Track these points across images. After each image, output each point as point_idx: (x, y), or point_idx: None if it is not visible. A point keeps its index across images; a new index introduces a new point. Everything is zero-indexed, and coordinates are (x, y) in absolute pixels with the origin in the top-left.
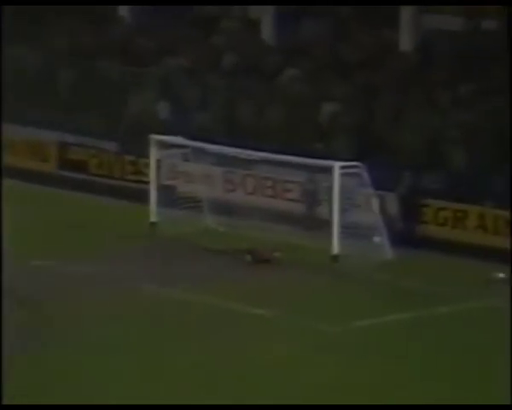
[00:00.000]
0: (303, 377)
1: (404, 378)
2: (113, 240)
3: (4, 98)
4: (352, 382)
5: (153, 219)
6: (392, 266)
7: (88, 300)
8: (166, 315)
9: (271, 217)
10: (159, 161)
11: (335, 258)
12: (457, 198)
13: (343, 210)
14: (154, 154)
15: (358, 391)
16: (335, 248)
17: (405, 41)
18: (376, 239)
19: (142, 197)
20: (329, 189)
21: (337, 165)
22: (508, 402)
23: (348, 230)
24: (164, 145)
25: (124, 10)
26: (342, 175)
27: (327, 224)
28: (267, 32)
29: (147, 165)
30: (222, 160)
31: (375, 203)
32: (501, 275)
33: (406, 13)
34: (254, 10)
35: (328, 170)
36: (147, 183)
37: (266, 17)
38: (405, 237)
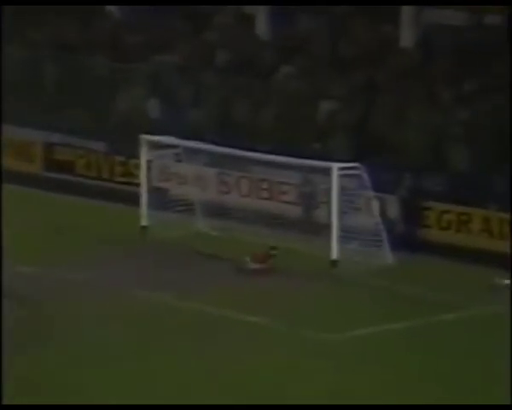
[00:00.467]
0: (298, 389)
1: (404, 389)
2: (102, 244)
3: None
4: (350, 394)
5: (143, 222)
6: (393, 272)
7: (75, 307)
8: (157, 322)
9: (267, 220)
10: (149, 162)
11: (334, 263)
12: (461, 200)
13: (342, 213)
14: (144, 154)
15: (357, 403)
16: (334, 252)
17: (406, 36)
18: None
19: (133, 200)
20: (327, 191)
21: (335, 166)
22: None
23: (347, 234)
24: (155, 145)
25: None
26: (341, 177)
27: (325, 227)
28: (262, 27)
29: (137, 166)
30: (215, 160)
31: (374, 206)
32: (506, 281)
33: (407, 7)
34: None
35: (327, 171)
36: (137, 185)
37: (261, 12)
38: (407, 241)
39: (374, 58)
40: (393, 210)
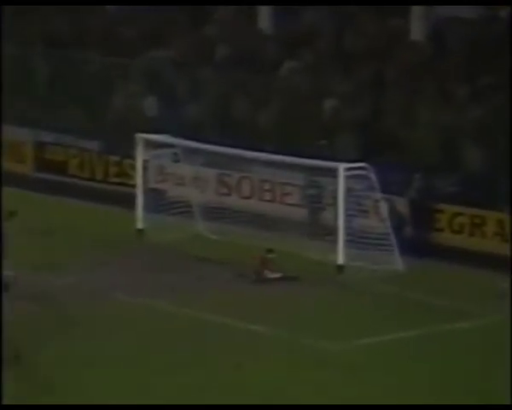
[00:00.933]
0: (302, 401)
1: (413, 401)
2: (96, 248)
3: None
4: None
5: (139, 225)
6: (402, 278)
7: (67, 313)
8: (153, 330)
9: (269, 223)
10: (146, 162)
11: (340, 268)
12: (474, 202)
13: (348, 216)
14: (140, 154)
15: None
16: (340, 257)
17: (416, 30)
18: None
19: (128, 202)
20: (333, 192)
21: (342, 166)
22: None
23: (354, 238)
24: (151, 144)
25: None
26: (347, 177)
27: (331, 231)
28: (264, 20)
29: (132, 166)
30: (215, 160)
31: (383, 208)
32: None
33: None
34: None
35: (333, 172)
36: (132, 186)
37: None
38: (417, 245)
39: (382, 52)
40: (403, 213)
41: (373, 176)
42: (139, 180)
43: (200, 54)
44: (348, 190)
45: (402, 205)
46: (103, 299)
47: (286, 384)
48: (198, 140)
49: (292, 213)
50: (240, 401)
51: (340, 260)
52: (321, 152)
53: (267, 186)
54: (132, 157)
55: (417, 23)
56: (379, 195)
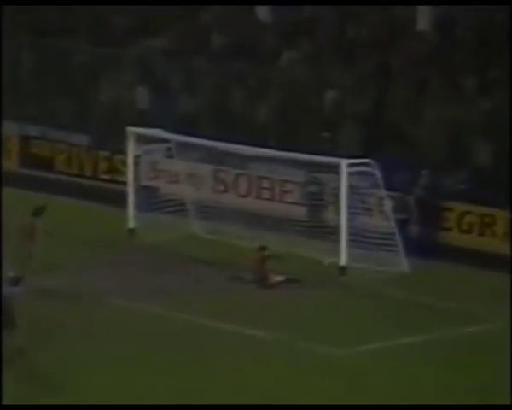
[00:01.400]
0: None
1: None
2: (84, 249)
3: None
4: None
5: (131, 224)
6: (409, 280)
7: (54, 317)
8: (145, 335)
9: (268, 223)
10: (137, 158)
11: (343, 270)
12: (484, 201)
13: (351, 215)
14: (131, 149)
15: None
16: (343, 258)
17: (423, 18)
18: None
19: (119, 199)
20: (336, 190)
21: (344, 162)
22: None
23: (357, 237)
24: (143, 139)
25: None
26: (350, 174)
27: (333, 230)
28: (262, 8)
29: (123, 162)
30: (210, 156)
31: (388, 207)
32: None
33: None
34: None
35: (335, 168)
36: (123, 183)
37: None
38: (424, 246)
39: (387, 42)
40: (409, 211)
41: (377, 172)
42: (130, 177)
43: (195, 43)
44: (351, 188)
45: (408, 203)
46: (92, 303)
47: (286, 392)
48: (193, 134)
49: (292, 212)
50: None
51: (343, 261)
52: (322, 147)
53: (266, 183)
54: (123, 152)
55: (424, 12)
56: (383, 192)
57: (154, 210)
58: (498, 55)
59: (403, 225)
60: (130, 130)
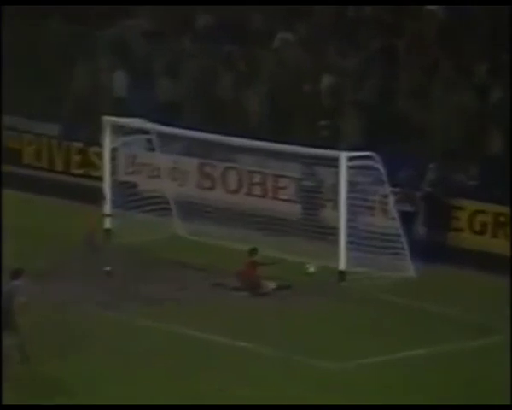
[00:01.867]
0: None
1: None
2: (55, 251)
3: None
4: None
5: (107, 224)
6: (415, 287)
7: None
8: (120, 345)
9: (259, 222)
10: (114, 151)
11: (342, 275)
12: (498, 198)
13: (352, 214)
14: (108, 141)
15: None
16: (342, 262)
17: None
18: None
19: (94, 197)
20: (334, 186)
21: (344, 155)
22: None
23: (358, 239)
24: (121, 130)
25: None
26: (351, 168)
27: (331, 231)
28: None
29: (99, 155)
30: (196, 148)
31: (392, 205)
32: None
33: None
34: None
35: (333, 162)
36: (99, 178)
37: None
38: (432, 248)
39: (392, 23)
40: (416, 210)
41: (380, 167)
42: (106, 172)
43: (179, 23)
44: (351, 184)
45: (413, 196)
46: (63, 312)
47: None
48: (176, 125)
49: (286, 211)
50: None
51: (342, 265)
52: (320, 138)
53: (257, 179)
54: (99, 144)
55: None
56: (387, 189)
57: (133, 208)
58: None
59: (408, 221)
60: (107, 119)
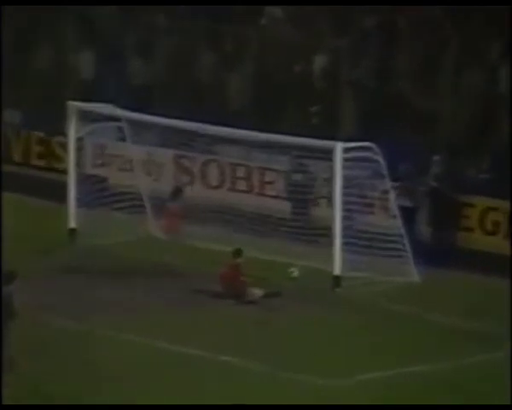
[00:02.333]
0: None
1: None
2: (12, 253)
3: None
4: None
5: (72, 223)
6: (419, 293)
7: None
8: (86, 359)
9: (244, 221)
10: (80, 140)
11: (337, 280)
12: None
13: (348, 212)
14: (73, 129)
15: None
16: (337, 266)
17: None
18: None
19: (57, 192)
20: (328, 181)
21: (339, 146)
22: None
23: (355, 240)
24: (88, 117)
25: None
26: (346, 161)
27: (324, 232)
28: None
29: (63, 145)
30: (172, 139)
31: (393, 201)
32: None
33: None
34: None
35: (327, 153)
36: (63, 171)
37: None
38: (438, 250)
39: None
40: (417, 205)
41: (380, 159)
42: (71, 164)
43: None
44: (347, 178)
45: (419, 197)
46: (22, 321)
47: None
48: (150, 111)
49: (273, 208)
50: None
51: (337, 269)
52: (312, 127)
53: (241, 172)
54: (63, 133)
55: None
56: (388, 184)
57: (102, 205)
58: None
59: (409, 218)
60: (72, 105)
